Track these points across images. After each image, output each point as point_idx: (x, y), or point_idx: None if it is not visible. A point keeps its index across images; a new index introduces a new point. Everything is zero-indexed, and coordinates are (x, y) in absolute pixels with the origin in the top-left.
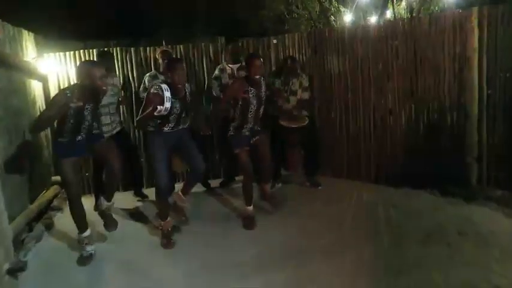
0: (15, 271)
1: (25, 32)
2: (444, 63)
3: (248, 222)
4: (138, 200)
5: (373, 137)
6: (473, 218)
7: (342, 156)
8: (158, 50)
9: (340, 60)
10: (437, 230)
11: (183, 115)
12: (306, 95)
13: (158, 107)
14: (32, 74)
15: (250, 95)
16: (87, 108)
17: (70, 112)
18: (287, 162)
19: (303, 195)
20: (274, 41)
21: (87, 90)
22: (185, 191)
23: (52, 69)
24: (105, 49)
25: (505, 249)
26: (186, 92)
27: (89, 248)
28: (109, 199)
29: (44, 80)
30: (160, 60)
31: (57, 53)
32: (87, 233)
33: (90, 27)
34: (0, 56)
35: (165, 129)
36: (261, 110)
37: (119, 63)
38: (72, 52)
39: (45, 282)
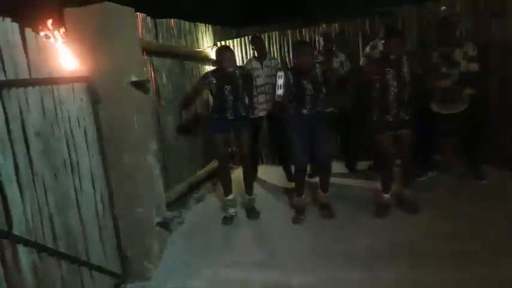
0: (163, 224)
1: (201, 25)
2: None
3: (380, 211)
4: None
5: None
6: None
7: None
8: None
9: None
10: None
11: (320, 96)
12: (474, 67)
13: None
14: (205, 61)
15: (389, 76)
16: (226, 88)
17: (213, 92)
18: (441, 151)
19: (456, 189)
20: (443, 8)
21: (222, 72)
22: (320, 186)
23: None
24: (257, 35)
25: None
26: (316, 73)
27: (231, 210)
28: (248, 193)
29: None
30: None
31: (226, 41)
32: (230, 196)
33: (266, 13)
34: (173, 48)
35: (303, 111)
36: (405, 93)
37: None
38: (239, 39)
39: (193, 236)
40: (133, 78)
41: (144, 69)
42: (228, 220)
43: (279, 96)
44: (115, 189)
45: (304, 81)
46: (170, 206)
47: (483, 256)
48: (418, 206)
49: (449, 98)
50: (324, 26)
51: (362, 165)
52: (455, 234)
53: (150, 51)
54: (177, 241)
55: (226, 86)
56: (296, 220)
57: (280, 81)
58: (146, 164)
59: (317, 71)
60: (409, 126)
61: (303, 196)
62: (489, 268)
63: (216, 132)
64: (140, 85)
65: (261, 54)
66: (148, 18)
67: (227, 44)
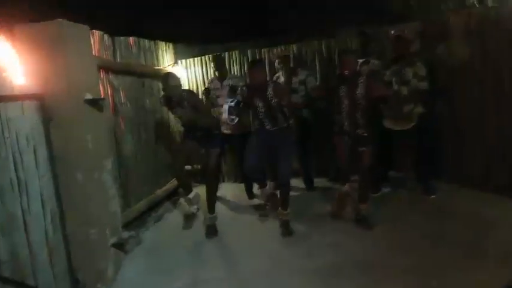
0: (119, 245)
1: (162, 43)
2: None
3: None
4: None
5: None
6: None
7: (470, 162)
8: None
9: (467, 51)
10: None
11: (275, 113)
12: (423, 85)
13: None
14: None
15: (341, 94)
16: (177, 110)
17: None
18: (396, 167)
19: (409, 205)
20: (393, 31)
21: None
22: (279, 201)
23: (183, 73)
24: (218, 54)
25: None
26: (268, 91)
27: (193, 208)
28: (210, 211)
29: None
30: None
31: (187, 59)
32: (191, 195)
33: (228, 31)
34: (132, 66)
35: (266, 127)
36: (359, 112)
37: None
38: (198, 58)
39: (151, 256)
40: (88, 96)
41: (101, 87)
42: (189, 218)
43: (232, 120)
44: (67, 209)
45: (256, 99)
46: (128, 225)
47: (440, 268)
48: (373, 222)
49: (400, 115)
50: (283, 48)
51: (318, 182)
52: (412, 248)
53: (107, 69)
54: (134, 262)
55: (175, 109)
56: (262, 214)
57: (226, 114)
58: (101, 183)
59: (269, 90)
60: (367, 144)
61: (266, 187)
62: (446, 279)
63: (185, 138)
64: (95, 103)
65: (221, 74)
66: (106, 36)
67: (170, 71)
